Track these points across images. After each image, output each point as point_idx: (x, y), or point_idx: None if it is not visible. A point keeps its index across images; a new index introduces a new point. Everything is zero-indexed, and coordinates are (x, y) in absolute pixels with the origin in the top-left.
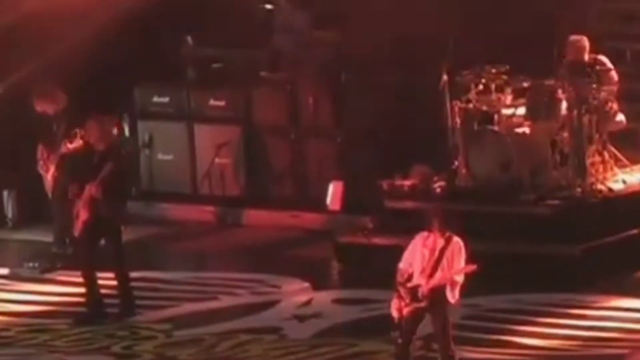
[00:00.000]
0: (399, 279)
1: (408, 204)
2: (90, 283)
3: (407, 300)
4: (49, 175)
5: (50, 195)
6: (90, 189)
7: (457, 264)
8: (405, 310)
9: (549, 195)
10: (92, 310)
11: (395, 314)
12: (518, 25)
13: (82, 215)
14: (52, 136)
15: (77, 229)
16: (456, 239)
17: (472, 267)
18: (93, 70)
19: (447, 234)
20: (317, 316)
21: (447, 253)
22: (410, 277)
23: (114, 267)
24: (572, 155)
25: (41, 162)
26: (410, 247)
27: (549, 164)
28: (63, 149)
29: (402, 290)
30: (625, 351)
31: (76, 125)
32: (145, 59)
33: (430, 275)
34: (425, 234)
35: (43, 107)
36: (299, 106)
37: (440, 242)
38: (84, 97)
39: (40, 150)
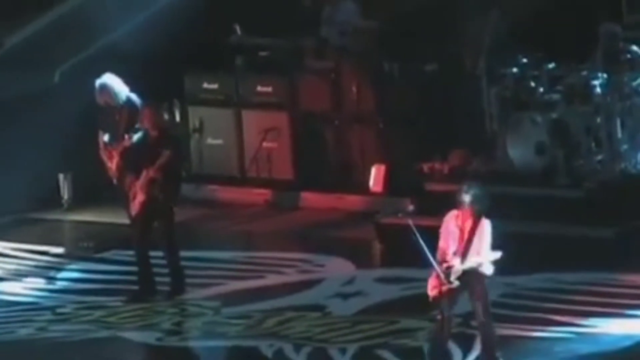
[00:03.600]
0: (439, 257)
1: (447, 186)
2: (143, 262)
3: (443, 280)
4: (113, 164)
5: (115, 181)
6: (149, 173)
7: (485, 246)
8: (442, 290)
9: (583, 179)
10: (144, 288)
11: (431, 292)
12: (554, 13)
13: (140, 197)
14: (114, 126)
15: (134, 209)
16: (485, 220)
17: (497, 255)
18: (146, 58)
19: (476, 213)
20: (359, 294)
21: (477, 234)
22: (446, 257)
23: (165, 246)
24: (606, 140)
25: (103, 150)
26: (443, 227)
27: (583, 148)
28: (127, 140)
29: (438, 270)
30: None
31: (137, 115)
32: (196, 47)
33: (463, 256)
34: (455, 212)
35: (105, 98)
36: (343, 93)
37: (469, 223)
38: (138, 85)
39: (101, 138)
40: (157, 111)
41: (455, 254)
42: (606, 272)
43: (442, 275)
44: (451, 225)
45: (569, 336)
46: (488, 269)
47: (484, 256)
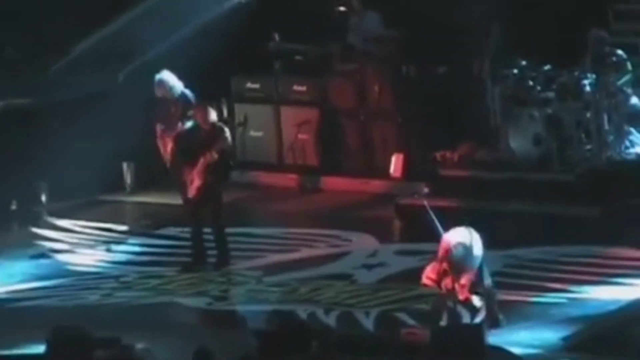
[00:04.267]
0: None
1: (457, 172)
2: (197, 237)
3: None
4: (167, 150)
5: (169, 165)
6: (206, 161)
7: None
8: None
9: (574, 165)
10: (196, 260)
11: (425, 281)
12: (549, 22)
13: (196, 181)
14: (170, 116)
15: (191, 192)
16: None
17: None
18: (198, 62)
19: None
20: (381, 265)
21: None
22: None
23: (215, 224)
24: (595, 132)
25: (160, 138)
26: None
27: (574, 139)
28: (179, 128)
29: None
30: None
31: (189, 108)
32: (241, 53)
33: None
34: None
35: (163, 92)
36: (366, 92)
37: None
38: (193, 84)
39: (159, 128)
40: (207, 108)
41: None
42: (594, 246)
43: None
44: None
45: (563, 301)
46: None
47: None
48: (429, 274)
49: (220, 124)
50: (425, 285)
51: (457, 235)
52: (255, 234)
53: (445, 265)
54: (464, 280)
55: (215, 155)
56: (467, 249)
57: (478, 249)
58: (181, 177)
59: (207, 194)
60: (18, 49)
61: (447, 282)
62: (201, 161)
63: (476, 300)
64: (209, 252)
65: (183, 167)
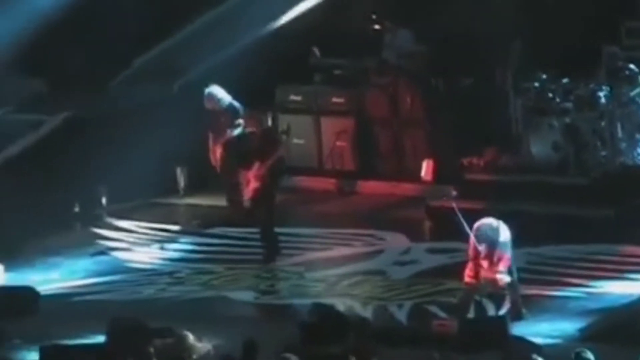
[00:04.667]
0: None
1: (482, 176)
2: (267, 233)
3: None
4: (217, 155)
5: (218, 170)
6: (263, 165)
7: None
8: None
9: (590, 169)
10: (272, 252)
11: (467, 279)
12: (568, 39)
13: (253, 184)
14: (219, 126)
15: (247, 193)
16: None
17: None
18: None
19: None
20: (413, 262)
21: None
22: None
23: (267, 222)
24: (609, 139)
25: (211, 145)
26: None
27: (590, 146)
28: (228, 136)
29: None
30: None
31: (237, 117)
32: (284, 67)
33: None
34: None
35: (212, 104)
36: (399, 103)
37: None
38: (240, 95)
39: (210, 136)
40: (258, 117)
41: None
42: (608, 244)
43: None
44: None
45: (580, 295)
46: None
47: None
48: (468, 273)
49: (273, 130)
50: (467, 283)
51: (484, 220)
52: (298, 234)
53: (477, 251)
54: (495, 259)
55: (272, 159)
56: (494, 229)
57: (505, 235)
58: (233, 180)
59: (263, 195)
60: (81, 63)
61: (483, 272)
62: (257, 165)
63: (505, 277)
64: (257, 249)
65: (235, 170)
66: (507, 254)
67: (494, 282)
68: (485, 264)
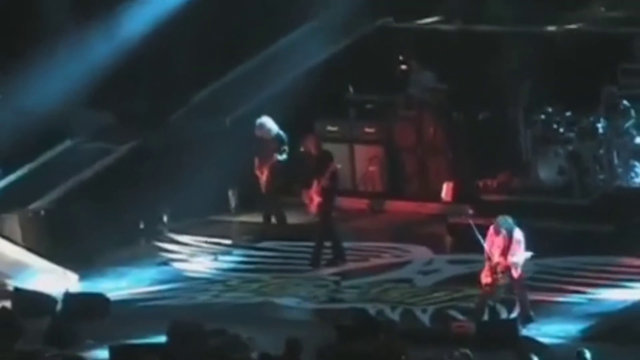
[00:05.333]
0: (486, 256)
1: (496, 197)
2: (334, 237)
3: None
4: (263, 178)
5: (264, 190)
6: (322, 182)
7: (520, 249)
8: (492, 280)
9: (591, 191)
10: (338, 255)
11: (484, 280)
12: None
13: (315, 199)
14: (266, 152)
15: (312, 208)
16: (518, 231)
17: (529, 254)
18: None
19: (508, 232)
20: (436, 271)
21: (513, 242)
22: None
23: (323, 234)
24: (607, 165)
25: (258, 169)
26: (488, 240)
27: (591, 171)
28: (274, 160)
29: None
30: None
31: (283, 145)
32: (322, 101)
33: (505, 256)
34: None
35: (262, 133)
36: (423, 133)
37: (505, 237)
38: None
39: (257, 161)
40: (317, 139)
41: (501, 255)
42: (607, 256)
43: (491, 268)
44: (493, 238)
45: (582, 301)
46: (516, 273)
47: (519, 256)
48: (485, 273)
49: (329, 151)
50: (482, 290)
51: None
52: (348, 247)
53: (491, 253)
54: (510, 248)
55: (328, 173)
56: (512, 222)
57: (519, 233)
58: (274, 199)
59: (326, 207)
60: (145, 100)
61: (500, 261)
62: (316, 183)
63: (518, 267)
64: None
65: (277, 190)
66: (521, 249)
67: (509, 271)
68: (500, 252)
